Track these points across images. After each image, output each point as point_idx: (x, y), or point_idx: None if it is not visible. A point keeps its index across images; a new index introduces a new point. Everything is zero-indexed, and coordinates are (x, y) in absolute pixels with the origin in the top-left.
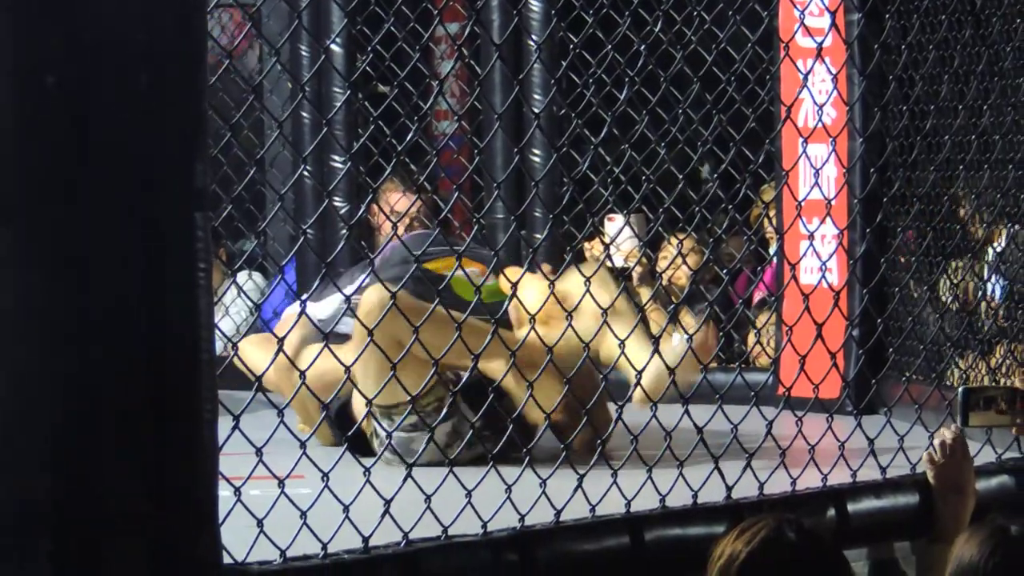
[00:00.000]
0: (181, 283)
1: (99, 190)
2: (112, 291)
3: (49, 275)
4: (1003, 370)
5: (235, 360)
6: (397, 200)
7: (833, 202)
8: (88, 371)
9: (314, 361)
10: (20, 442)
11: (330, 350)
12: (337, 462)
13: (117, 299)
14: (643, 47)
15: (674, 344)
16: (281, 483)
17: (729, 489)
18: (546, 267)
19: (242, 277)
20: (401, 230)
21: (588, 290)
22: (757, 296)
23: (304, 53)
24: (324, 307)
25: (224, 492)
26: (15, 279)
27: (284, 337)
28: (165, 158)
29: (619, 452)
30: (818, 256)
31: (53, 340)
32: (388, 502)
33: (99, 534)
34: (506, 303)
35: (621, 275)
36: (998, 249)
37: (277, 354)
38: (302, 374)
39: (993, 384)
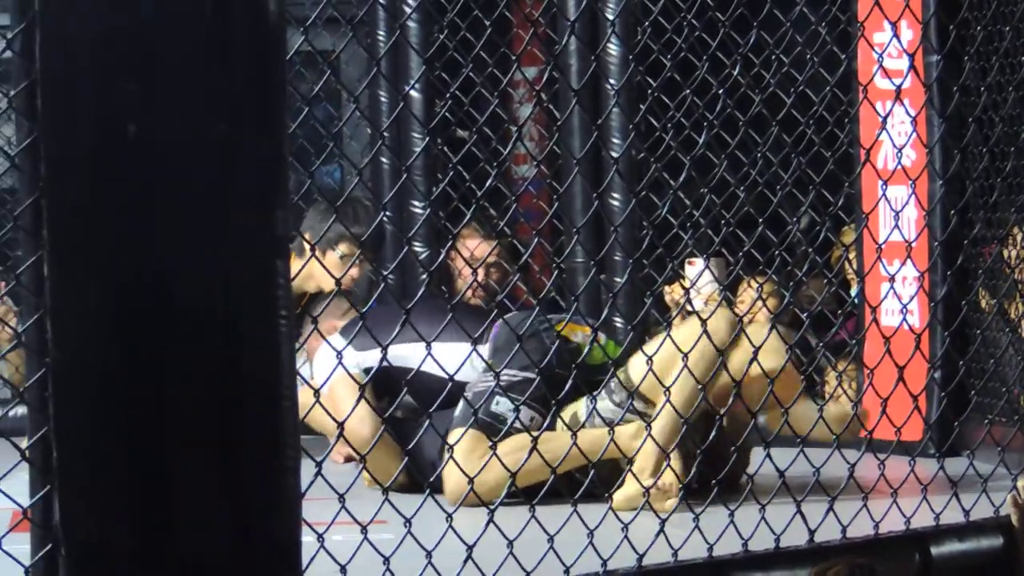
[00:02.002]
0: (262, 331)
1: (176, 238)
2: (191, 340)
3: (128, 321)
4: None
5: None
6: (476, 245)
7: (914, 244)
8: (168, 417)
9: (396, 407)
10: (98, 486)
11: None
12: (420, 507)
13: (196, 347)
14: (721, 90)
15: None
16: (364, 529)
17: (812, 532)
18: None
19: None
20: (481, 275)
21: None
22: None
23: (383, 99)
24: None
25: (307, 538)
26: (94, 329)
27: (365, 384)
28: (245, 206)
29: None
30: (899, 298)
31: (131, 387)
32: (471, 547)
33: None
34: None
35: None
36: None
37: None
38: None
39: None
